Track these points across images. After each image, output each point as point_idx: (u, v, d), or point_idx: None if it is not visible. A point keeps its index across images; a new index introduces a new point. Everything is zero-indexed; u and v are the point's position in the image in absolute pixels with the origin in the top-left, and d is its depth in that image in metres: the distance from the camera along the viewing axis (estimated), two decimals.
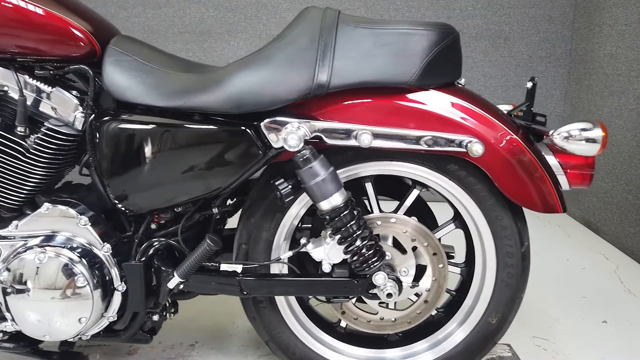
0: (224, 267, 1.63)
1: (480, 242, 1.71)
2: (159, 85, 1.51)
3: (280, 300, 1.75)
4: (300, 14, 1.57)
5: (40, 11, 1.51)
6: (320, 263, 1.64)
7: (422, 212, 1.86)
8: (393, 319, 1.74)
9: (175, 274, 1.57)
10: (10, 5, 1.48)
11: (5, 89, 1.56)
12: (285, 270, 1.75)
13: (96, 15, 1.65)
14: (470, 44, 4.10)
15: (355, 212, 1.52)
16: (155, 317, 1.73)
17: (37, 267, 1.54)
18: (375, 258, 1.55)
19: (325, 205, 1.49)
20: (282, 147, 1.50)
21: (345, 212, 1.50)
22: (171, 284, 1.59)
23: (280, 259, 1.65)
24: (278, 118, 1.49)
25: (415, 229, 1.66)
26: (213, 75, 1.49)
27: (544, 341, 2.21)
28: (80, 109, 1.58)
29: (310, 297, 1.84)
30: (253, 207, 1.67)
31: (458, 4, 4.02)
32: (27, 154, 1.56)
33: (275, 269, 1.75)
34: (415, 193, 1.72)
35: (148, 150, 1.52)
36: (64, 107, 1.58)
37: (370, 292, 1.62)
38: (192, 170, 1.52)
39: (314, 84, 1.46)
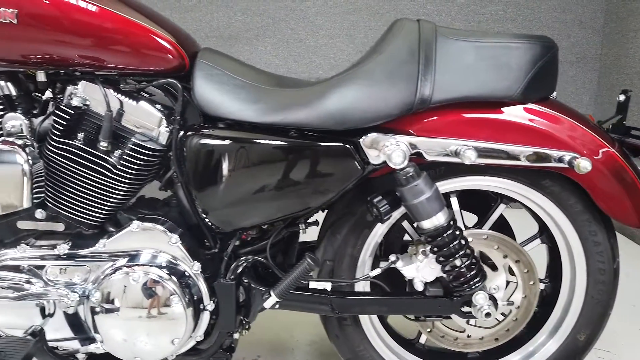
0: (313, 284, 1.59)
1: (570, 257, 1.68)
2: (255, 101, 1.47)
3: (363, 317, 1.71)
4: (393, 27, 1.53)
5: (132, 25, 1.46)
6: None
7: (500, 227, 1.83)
8: (480, 337, 1.70)
9: (272, 294, 1.53)
10: (103, 19, 1.43)
11: (88, 103, 1.51)
12: (367, 288, 1.70)
13: (179, 27, 1.61)
14: None
15: (457, 232, 1.48)
16: (236, 335, 1.69)
17: (131, 287, 1.49)
18: (478, 278, 1.51)
19: (427, 224, 1.45)
20: (381, 163, 1.46)
21: (448, 232, 1.46)
22: (268, 304, 1.54)
23: (370, 276, 1.60)
24: (379, 134, 1.45)
25: (507, 246, 1.62)
26: (313, 91, 1.45)
27: (606, 353, 2.18)
28: (165, 123, 1.53)
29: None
30: (339, 223, 1.63)
31: (489, 9, 3.99)
32: (114, 170, 1.51)
33: (358, 286, 1.70)
34: (501, 208, 1.68)
35: (244, 166, 1.48)
36: (149, 122, 1.54)
37: (464, 310, 1.58)
38: (289, 187, 1.48)
39: (416, 99, 1.42)
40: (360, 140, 1.46)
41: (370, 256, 1.68)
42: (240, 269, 1.59)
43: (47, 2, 1.40)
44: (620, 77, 3.70)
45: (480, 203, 1.78)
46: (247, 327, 1.77)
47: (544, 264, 1.80)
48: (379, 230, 1.64)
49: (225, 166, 1.49)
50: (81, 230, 1.62)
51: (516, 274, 1.65)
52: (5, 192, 1.44)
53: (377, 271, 1.60)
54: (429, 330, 1.69)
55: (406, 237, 1.78)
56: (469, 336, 1.71)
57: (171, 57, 1.50)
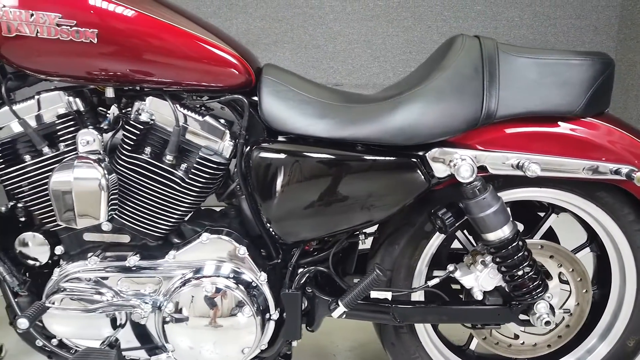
0: (374, 294, 1.63)
1: (620, 266, 1.73)
2: (322, 116, 1.51)
3: (419, 325, 1.75)
4: (454, 43, 1.57)
5: (205, 42, 1.50)
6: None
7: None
8: (534, 344, 1.75)
9: (340, 303, 1.57)
10: (177, 38, 1.48)
11: (154, 118, 1.54)
12: (422, 296, 1.75)
13: (241, 43, 1.65)
14: None
15: (522, 243, 1.52)
16: (295, 343, 1.73)
17: (203, 298, 1.53)
18: (540, 288, 1.56)
19: (492, 236, 1.50)
20: (445, 177, 1.50)
21: (513, 244, 1.50)
22: (336, 313, 1.59)
23: (429, 285, 1.65)
24: (445, 148, 1.50)
25: (561, 255, 1.67)
26: (382, 108, 1.50)
27: None
28: (228, 137, 1.56)
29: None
30: (397, 234, 1.67)
31: (505, 15, 4.04)
32: (182, 183, 1.56)
33: (414, 295, 1.75)
34: (553, 218, 1.73)
35: (313, 180, 1.53)
36: (214, 136, 1.57)
37: (521, 318, 1.63)
38: (356, 200, 1.53)
39: (482, 115, 1.47)
40: (427, 154, 1.49)
41: (426, 266, 1.72)
42: (303, 279, 1.62)
43: (126, 22, 1.44)
44: (635, 82, 3.76)
45: (525, 212, 1.82)
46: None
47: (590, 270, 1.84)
48: (436, 241, 1.68)
49: (294, 179, 1.52)
50: (146, 242, 1.64)
51: (570, 282, 1.69)
52: (84, 206, 1.48)
53: (436, 281, 1.65)
54: (483, 337, 1.73)
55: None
56: (522, 343, 1.75)
57: (239, 73, 1.54)
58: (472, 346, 1.87)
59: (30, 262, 1.67)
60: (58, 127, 1.54)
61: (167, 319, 1.55)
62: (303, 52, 4.04)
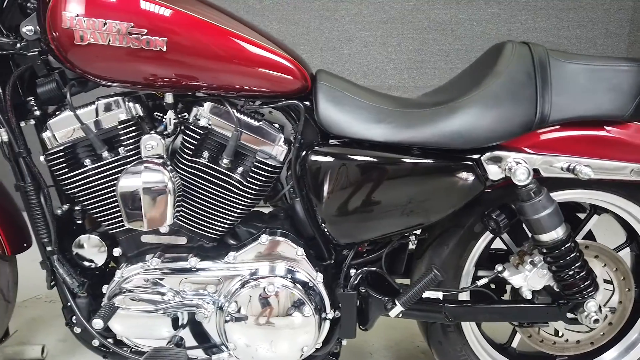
0: (426, 294, 1.68)
1: None
2: (379, 121, 1.56)
3: (465, 323, 1.80)
4: (503, 50, 1.62)
5: (266, 49, 1.55)
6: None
7: None
8: (577, 341, 1.80)
9: (397, 303, 1.62)
10: (240, 46, 1.52)
11: (211, 123, 1.58)
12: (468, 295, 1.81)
13: (294, 50, 1.69)
14: None
15: (574, 244, 1.57)
16: (344, 342, 1.78)
17: (264, 299, 1.57)
18: (592, 288, 1.61)
19: (546, 237, 1.55)
20: (499, 179, 1.55)
21: (566, 245, 1.55)
22: (393, 313, 1.64)
23: (479, 285, 1.69)
24: (501, 152, 1.55)
25: (606, 255, 1.72)
26: (439, 112, 1.54)
27: None
28: (282, 141, 1.61)
29: None
30: (446, 235, 1.72)
31: (518, 18, 4.09)
32: (240, 186, 1.60)
33: (462, 294, 1.79)
34: (595, 218, 1.78)
35: (370, 183, 1.57)
36: (269, 141, 1.61)
37: (569, 317, 1.68)
38: (413, 202, 1.58)
39: (536, 119, 1.52)
40: (482, 157, 1.54)
41: (474, 266, 1.76)
42: (357, 279, 1.67)
43: (194, 31, 1.48)
44: None
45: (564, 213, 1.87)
46: None
47: None
48: (484, 242, 1.73)
49: (352, 182, 1.57)
50: (202, 244, 1.69)
51: (613, 281, 1.74)
52: (151, 209, 1.52)
53: (485, 280, 1.70)
54: (529, 335, 1.78)
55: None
56: (566, 340, 1.80)
57: (296, 79, 1.59)
58: (514, 344, 1.91)
59: (87, 263, 1.70)
60: (120, 133, 1.57)
61: (229, 319, 1.59)
62: (319, 54, 4.08)
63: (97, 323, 1.51)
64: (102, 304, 1.65)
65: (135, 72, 1.50)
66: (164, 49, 1.45)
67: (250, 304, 1.59)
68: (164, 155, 1.57)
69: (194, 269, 1.62)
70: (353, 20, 4.04)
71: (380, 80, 4.06)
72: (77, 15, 1.41)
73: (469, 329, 1.82)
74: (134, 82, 1.53)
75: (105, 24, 1.41)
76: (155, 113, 1.66)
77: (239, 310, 1.58)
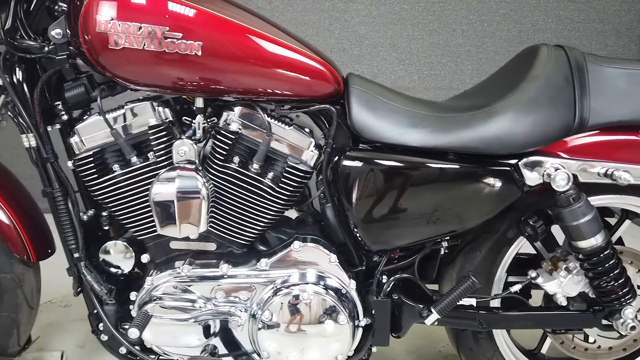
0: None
1: None
2: (414, 125, 1.54)
3: (496, 330, 1.78)
4: (539, 53, 1.61)
5: (301, 54, 1.53)
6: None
7: None
8: (609, 347, 1.78)
9: (433, 311, 1.60)
10: (276, 51, 1.50)
11: (241, 127, 1.56)
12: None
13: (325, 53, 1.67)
14: None
15: (612, 251, 1.55)
16: (374, 349, 1.75)
17: (298, 306, 1.55)
18: (630, 295, 1.59)
19: (584, 244, 1.53)
20: (536, 185, 1.53)
21: (605, 252, 1.53)
22: (429, 320, 1.61)
23: (511, 291, 1.67)
24: (537, 157, 1.53)
25: None
26: (476, 117, 1.52)
27: None
28: (313, 146, 1.58)
29: None
30: (479, 241, 1.70)
31: (529, 19, 4.07)
32: (271, 191, 1.58)
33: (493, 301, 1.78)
34: (627, 224, 1.76)
35: (405, 189, 1.55)
36: (300, 145, 1.59)
37: (604, 323, 1.66)
38: (449, 208, 1.56)
39: (575, 124, 1.50)
40: (519, 163, 1.52)
41: (505, 272, 1.74)
42: (390, 286, 1.65)
43: (229, 35, 1.46)
44: None
45: None
46: None
47: None
48: (517, 248, 1.71)
49: (387, 187, 1.55)
50: (232, 250, 1.66)
51: None
52: (186, 215, 1.50)
53: (518, 287, 1.68)
54: (561, 342, 1.76)
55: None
56: (599, 347, 1.78)
57: (330, 83, 1.56)
58: (544, 350, 1.89)
59: (113, 270, 1.68)
60: (150, 138, 1.54)
61: (262, 327, 1.57)
62: (329, 55, 4.03)
63: (133, 332, 1.48)
64: (131, 312, 1.62)
65: (169, 77, 1.47)
66: (199, 53, 1.42)
67: (284, 312, 1.57)
68: (196, 161, 1.53)
69: (226, 276, 1.60)
70: (363, 21, 4.02)
71: (390, 81, 4.04)
72: (112, 19, 1.38)
73: (499, 335, 1.80)
74: (165, 86, 1.51)
75: (140, 28, 1.38)
76: (184, 117, 1.62)
77: (272, 318, 1.56)
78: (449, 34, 4.03)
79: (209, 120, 1.60)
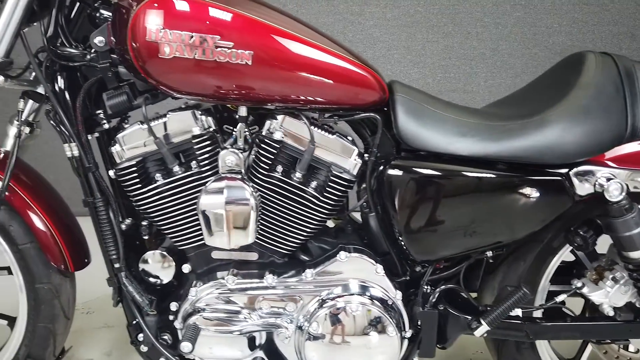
0: None
1: None
2: (462, 134, 1.52)
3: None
4: (585, 60, 1.59)
5: (349, 62, 1.51)
6: None
7: None
8: None
9: (483, 322, 1.58)
10: (324, 59, 1.49)
11: (285, 136, 1.54)
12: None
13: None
14: (555, 60, 4.07)
15: None
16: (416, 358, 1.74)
17: (347, 318, 1.54)
18: None
19: (636, 254, 1.52)
20: (586, 195, 1.52)
21: None
22: (478, 332, 1.60)
23: (556, 302, 1.66)
24: (589, 167, 1.51)
25: None
26: (526, 126, 1.51)
27: None
28: (357, 154, 1.56)
29: None
30: (523, 250, 1.68)
31: (544, 22, 4.06)
32: (315, 200, 1.57)
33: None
34: None
35: (454, 198, 1.54)
36: (344, 154, 1.57)
37: None
38: (499, 218, 1.54)
39: (627, 133, 1.49)
40: (570, 172, 1.50)
41: (549, 282, 1.73)
42: (436, 297, 1.63)
43: (279, 44, 1.44)
44: None
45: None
46: None
47: None
48: (561, 257, 1.69)
49: (435, 197, 1.53)
50: (274, 259, 1.64)
51: None
52: (235, 226, 1.48)
53: (563, 296, 1.66)
54: (604, 351, 1.75)
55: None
56: None
57: (375, 92, 1.54)
58: (584, 358, 1.88)
59: (152, 280, 1.66)
60: (193, 147, 1.52)
61: (309, 339, 1.55)
62: None
63: (186, 346, 1.46)
64: (174, 323, 1.61)
65: (216, 85, 1.45)
66: (250, 62, 1.40)
67: (332, 324, 1.55)
68: (242, 170, 1.51)
69: (271, 287, 1.57)
70: (377, 23, 4.00)
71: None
72: (163, 28, 1.35)
73: (541, 345, 1.79)
74: (210, 95, 1.48)
75: (191, 37, 1.36)
76: (225, 126, 1.60)
77: (319, 330, 1.54)
78: (464, 36, 4.02)
79: (250, 128, 1.57)
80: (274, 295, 1.58)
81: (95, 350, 2.36)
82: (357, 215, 1.80)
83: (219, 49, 1.38)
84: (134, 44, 1.39)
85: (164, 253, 1.64)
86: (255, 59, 1.41)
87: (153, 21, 1.36)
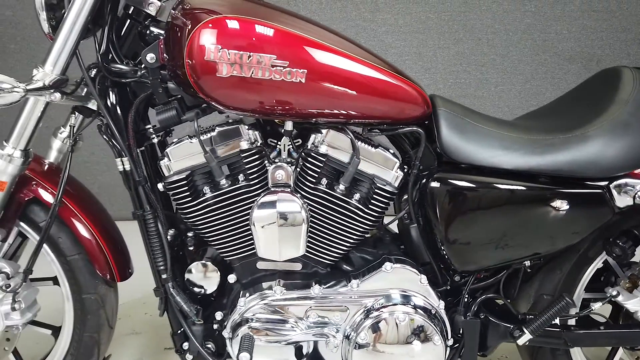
0: None
1: None
2: (506, 148, 1.56)
3: None
4: (620, 76, 1.64)
5: (395, 78, 1.55)
6: None
7: None
8: None
9: (526, 331, 1.62)
10: (372, 76, 1.52)
11: (329, 150, 1.58)
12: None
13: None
14: (564, 66, 4.21)
15: None
16: None
17: (395, 327, 1.58)
18: None
19: None
20: (625, 207, 1.56)
21: None
22: (522, 340, 1.64)
23: (593, 309, 1.70)
24: (628, 179, 1.56)
25: None
26: (569, 140, 1.55)
27: None
28: (397, 167, 1.60)
29: None
30: (560, 260, 1.73)
31: (554, 28, 4.11)
32: (361, 212, 1.61)
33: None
34: None
35: (497, 210, 1.58)
36: (386, 167, 1.61)
37: None
38: (540, 230, 1.59)
39: None
40: (611, 185, 1.55)
41: (584, 290, 1.78)
42: (476, 306, 1.67)
43: (332, 63, 1.48)
44: None
45: None
46: None
47: None
48: (597, 266, 1.74)
49: (478, 209, 1.58)
50: (317, 270, 1.68)
51: None
52: (287, 239, 1.52)
53: (599, 304, 1.71)
54: (636, 357, 1.80)
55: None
56: None
57: (419, 106, 1.58)
58: None
59: (197, 290, 1.69)
60: (244, 161, 1.56)
61: (356, 348, 1.59)
62: None
63: (244, 356, 1.50)
64: (222, 333, 1.66)
65: (268, 102, 1.48)
66: (303, 80, 1.44)
67: (380, 333, 1.58)
68: (291, 184, 1.55)
69: (319, 297, 1.61)
70: (389, 30, 4.04)
71: None
72: (222, 48, 1.39)
73: (575, 350, 1.83)
74: (259, 110, 1.52)
75: (249, 56, 1.40)
76: (269, 139, 1.64)
77: (367, 339, 1.58)
78: (475, 42, 4.06)
79: (294, 142, 1.61)
80: (322, 306, 1.62)
81: (126, 356, 2.39)
82: (391, 225, 1.84)
83: (274, 67, 1.42)
84: (190, 62, 1.42)
85: (210, 264, 1.67)
86: (308, 77, 1.45)
87: (211, 41, 1.40)
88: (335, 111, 1.52)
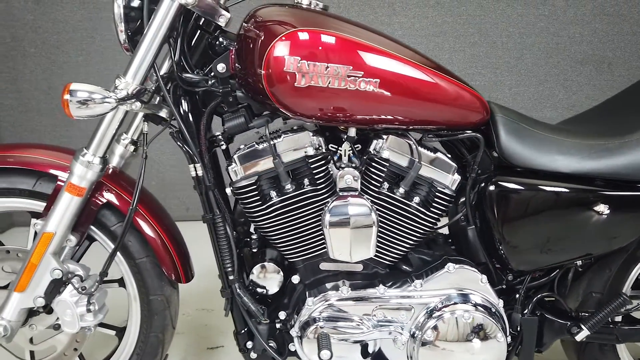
0: None
1: None
2: (563, 152, 1.63)
3: None
4: None
5: (457, 86, 1.63)
6: None
7: None
8: None
9: (584, 327, 1.69)
10: (439, 83, 1.59)
11: (391, 154, 1.64)
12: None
13: None
14: (576, 69, 4.29)
15: None
16: None
17: (459, 327, 1.64)
18: None
19: None
20: None
21: None
22: (580, 337, 1.71)
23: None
24: None
25: None
26: (626, 145, 1.62)
27: None
28: (455, 171, 1.67)
29: None
30: (610, 259, 1.80)
31: (566, 32, 4.19)
32: (422, 215, 1.68)
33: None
34: None
35: (555, 212, 1.65)
36: (445, 171, 1.68)
37: None
38: (597, 231, 1.65)
39: None
40: None
41: (631, 288, 1.85)
42: (532, 304, 1.75)
43: (402, 72, 1.55)
44: None
45: None
46: None
47: None
48: None
49: (537, 212, 1.65)
50: (377, 270, 1.75)
51: None
52: (358, 241, 1.58)
53: None
54: None
55: None
56: None
57: (479, 112, 1.65)
58: None
59: (259, 290, 1.75)
60: (310, 167, 1.62)
61: (422, 346, 1.65)
62: None
63: (325, 354, 1.56)
64: (292, 332, 1.73)
65: (338, 110, 1.54)
66: (375, 89, 1.50)
67: (445, 331, 1.65)
68: (359, 188, 1.62)
69: (385, 297, 1.67)
70: (406, 33, 4.10)
71: None
72: (301, 60, 1.45)
73: (621, 347, 1.90)
74: (327, 117, 1.58)
75: (327, 67, 1.46)
76: (330, 145, 1.70)
77: (433, 338, 1.64)
78: (489, 46, 4.13)
79: (354, 147, 1.68)
80: (388, 305, 1.68)
81: (170, 356, 2.43)
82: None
83: (350, 77, 1.49)
84: (267, 72, 1.48)
85: (274, 265, 1.73)
86: (380, 86, 1.51)
87: (292, 53, 1.46)
88: (400, 117, 1.59)
